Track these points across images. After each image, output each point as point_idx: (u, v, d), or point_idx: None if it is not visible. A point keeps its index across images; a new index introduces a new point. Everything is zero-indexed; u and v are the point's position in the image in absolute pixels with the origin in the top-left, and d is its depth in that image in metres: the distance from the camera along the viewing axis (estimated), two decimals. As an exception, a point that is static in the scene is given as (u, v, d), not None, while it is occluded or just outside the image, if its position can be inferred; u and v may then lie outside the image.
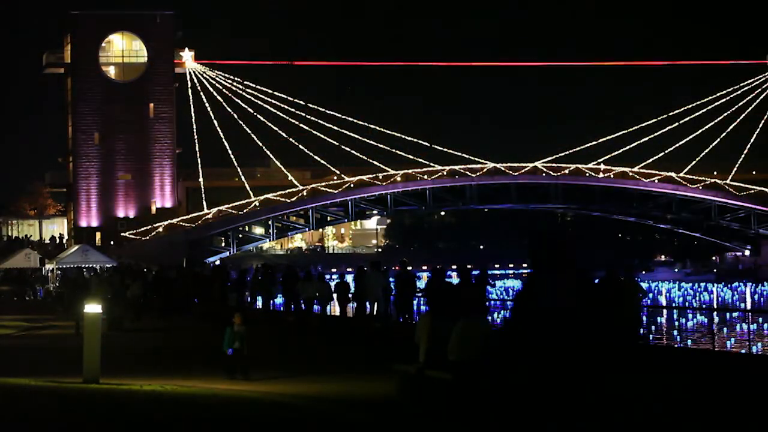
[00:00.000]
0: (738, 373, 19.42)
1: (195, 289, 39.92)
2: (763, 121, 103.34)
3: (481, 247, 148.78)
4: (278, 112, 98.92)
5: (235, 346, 18.72)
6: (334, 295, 34.33)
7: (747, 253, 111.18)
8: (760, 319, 46.63)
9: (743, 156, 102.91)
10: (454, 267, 53.25)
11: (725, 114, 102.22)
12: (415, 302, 31.20)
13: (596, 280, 21.01)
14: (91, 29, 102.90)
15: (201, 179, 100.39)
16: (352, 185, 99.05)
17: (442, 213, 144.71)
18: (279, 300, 39.19)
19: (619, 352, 18.86)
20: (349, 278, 33.92)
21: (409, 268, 32.03)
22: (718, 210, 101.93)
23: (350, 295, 34.19)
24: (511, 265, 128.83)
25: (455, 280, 24.71)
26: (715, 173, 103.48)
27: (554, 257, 8.16)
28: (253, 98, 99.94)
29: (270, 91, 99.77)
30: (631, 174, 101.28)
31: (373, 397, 15.74)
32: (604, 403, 8.57)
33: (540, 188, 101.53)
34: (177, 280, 41.03)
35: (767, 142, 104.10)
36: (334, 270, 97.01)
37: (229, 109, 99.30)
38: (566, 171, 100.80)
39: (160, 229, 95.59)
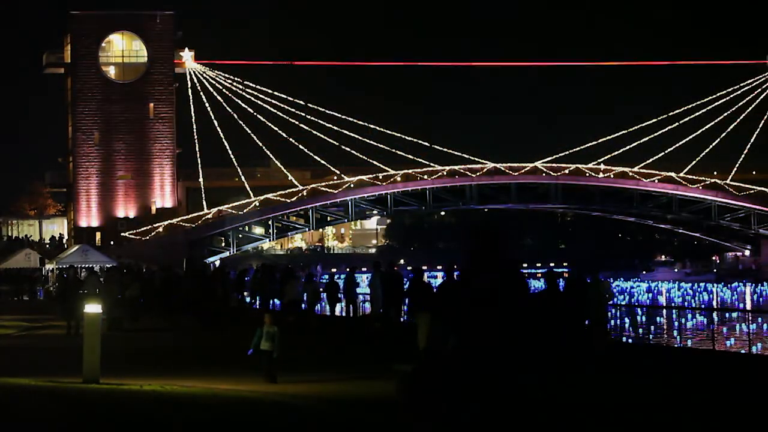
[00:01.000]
0: (738, 373, 19.43)
1: (198, 290, 39.84)
2: (763, 121, 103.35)
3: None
4: (278, 112, 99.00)
5: (265, 347, 18.49)
6: (323, 295, 34.47)
7: (747, 253, 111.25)
8: (760, 319, 46.66)
9: (743, 156, 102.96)
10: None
11: (725, 114, 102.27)
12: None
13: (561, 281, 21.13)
14: (91, 29, 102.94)
15: (201, 179, 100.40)
16: (352, 185, 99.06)
17: (442, 213, 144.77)
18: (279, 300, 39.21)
19: (577, 353, 18.88)
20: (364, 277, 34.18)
21: (409, 268, 32.17)
22: (718, 210, 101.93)
23: (340, 295, 34.32)
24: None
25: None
26: (715, 173, 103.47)
27: (485, 255, 8.19)
28: (253, 98, 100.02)
29: (270, 91, 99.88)
30: (631, 174, 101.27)
31: (373, 397, 15.74)
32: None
33: (540, 188, 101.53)
34: (183, 280, 40.98)
35: (767, 142, 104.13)
36: (334, 270, 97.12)
37: (229, 109, 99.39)
38: (566, 171, 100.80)
39: (160, 229, 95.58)
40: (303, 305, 33.77)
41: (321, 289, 36.45)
